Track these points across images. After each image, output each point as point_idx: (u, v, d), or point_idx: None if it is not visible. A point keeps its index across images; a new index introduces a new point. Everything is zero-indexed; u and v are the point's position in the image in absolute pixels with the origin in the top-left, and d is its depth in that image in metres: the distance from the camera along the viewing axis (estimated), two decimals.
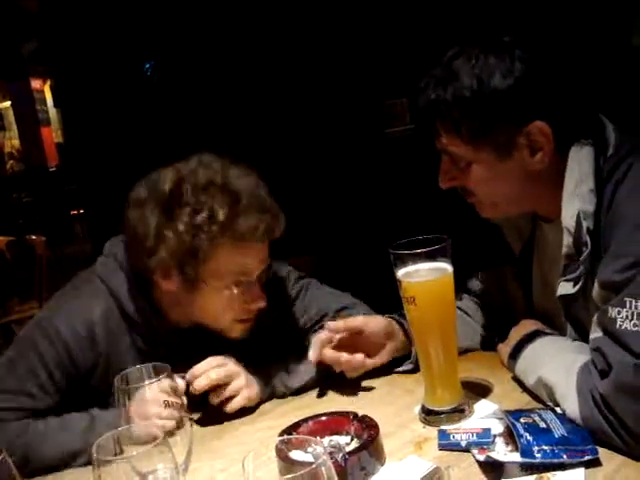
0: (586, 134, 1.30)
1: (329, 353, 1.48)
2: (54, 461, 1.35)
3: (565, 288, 1.32)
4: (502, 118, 1.27)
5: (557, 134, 1.28)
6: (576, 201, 1.27)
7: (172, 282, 1.45)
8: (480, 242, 1.58)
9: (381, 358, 1.54)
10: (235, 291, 1.44)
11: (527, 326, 1.43)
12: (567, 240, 1.29)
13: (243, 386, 1.47)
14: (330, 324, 1.50)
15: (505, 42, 1.30)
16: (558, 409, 1.23)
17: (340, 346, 1.50)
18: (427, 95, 1.32)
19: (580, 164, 1.28)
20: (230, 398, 1.46)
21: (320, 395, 1.53)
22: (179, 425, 1.05)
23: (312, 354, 1.47)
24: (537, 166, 1.31)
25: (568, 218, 1.28)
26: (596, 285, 1.22)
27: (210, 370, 1.43)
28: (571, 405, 1.19)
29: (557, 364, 1.27)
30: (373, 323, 1.53)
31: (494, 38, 1.32)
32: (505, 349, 1.45)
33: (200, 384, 1.42)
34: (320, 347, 1.47)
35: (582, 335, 1.34)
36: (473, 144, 1.30)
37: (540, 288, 1.53)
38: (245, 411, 1.49)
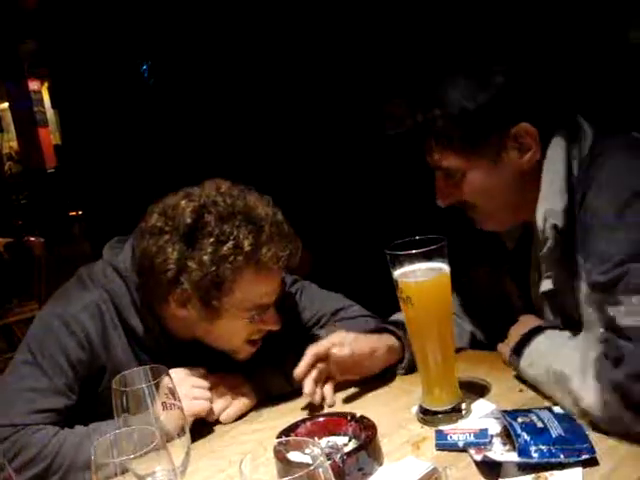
0: (563, 136, 1.37)
1: (308, 387, 1.46)
2: (85, 467, 1.30)
3: (545, 285, 1.39)
4: (489, 126, 1.35)
5: (541, 133, 1.36)
6: (545, 201, 1.35)
7: (189, 311, 1.43)
8: (475, 238, 1.59)
9: (372, 372, 1.54)
10: (255, 317, 1.45)
11: (529, 322, 1.44)
12: (540, 240, 1.36)
13: (233, 397, 1.49)
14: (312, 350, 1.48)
15: (482, 61, 1.40)
16: (556, 408, 1.23)
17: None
18: (417, 116, 1.40)
19: (553, 165, 1.35)
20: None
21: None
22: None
23: (299, 371, 1.46)
24: (528, 166, 1.37)
25: (540, 220, 1.35)
26: (585, 288, 1.27)
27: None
28: (590, 395, 1.17)
29: (570, 355, 1.26)
30: (358, 348, 1.50)
31: (471, 58, 1.42)
32: (507, 346, 1.45)
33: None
34: (308, 363, 1.46)
35: (573, 326, 1.36)
36: (466, 154, 1.36)
37: (535, 284, 1.53)
38: (243, 413, 1.50)
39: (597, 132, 1.39)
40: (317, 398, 1.46)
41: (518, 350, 1.39)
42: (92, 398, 1.44)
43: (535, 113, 1.36)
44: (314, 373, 1.46)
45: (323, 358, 1.48)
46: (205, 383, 1.46)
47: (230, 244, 1.37)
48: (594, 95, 2.50)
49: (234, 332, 1.47)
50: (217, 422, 1.47)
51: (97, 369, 1.46)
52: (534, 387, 1.37)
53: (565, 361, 1.26)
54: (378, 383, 1.54)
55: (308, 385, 1.45)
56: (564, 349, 1.30)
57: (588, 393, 1.18)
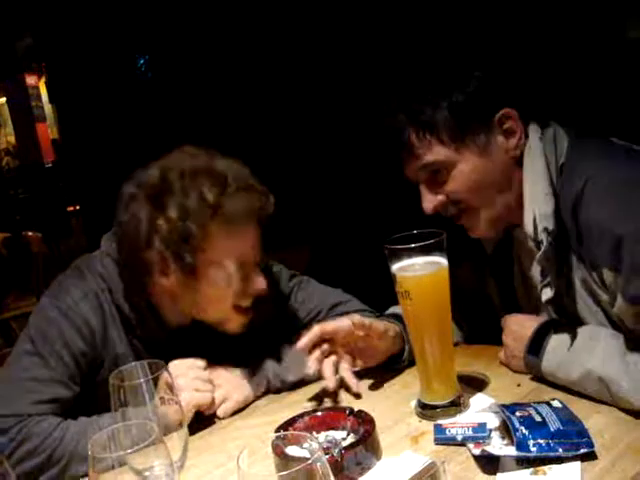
0: (538, 133, 1.38)
1: (314, 363, 1.46)
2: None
3: (546, 294, 1.37)
4: (473, 116, 1.35)
5: (522, 118, 1.38)
6: (533, 205, 1.33)
7: (171, 277, 1.43)
8: (458, 237, 1.60)
9: (376, 360, 1.54)
10: (234, 273, 1.43)
11: (522, 321, 1.42)
12: (530, 245, 1.36)
13: (231, 391, 1.49)
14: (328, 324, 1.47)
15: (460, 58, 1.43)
16: (554, 402, 1.23)
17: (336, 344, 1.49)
18: (400, 115, 1.38)
19: (532, 165, 1.35)
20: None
21: (315, 391, 1.52)
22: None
23: (302, 343, 1.44)
24: (514, 153, 1.37)
25: (529, 225, 1.34)
26: (623, 304, 1.25)
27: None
28: None
29: (606, 356, 1.25)
30: (374, 323, 1.50)
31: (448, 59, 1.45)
32: (513, 355, 1.41)
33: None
34: (311, 338, 1.45)
35: (575, 324, 1.36)
36: (455, 145, 1.36)
37: (520, 286, 1.54)
38: (241, 408, 1.50)
39: (572, 136, 1.39)
40: (332, 384, 1.45)
41: (535, 350, 1.35)
42: (91, 388, 1.45)
43: (516, 99, 1.38)
44: (317, 352, 1.45)
45: (328, 338, 1.47)
46: (206, 374, 1.46)
47: (194, 198, 1.38)
48: (577, 94, 2.50)
49: (218, 297, 1.45)
50: (215, 416, 1.47)
51: (97, 359, 1.46)
52: (532, 381, 1.37)
53: (605, 363, 1.24)
54: (376, 377, 1.54)
55: (313, 368, 1.45)
56: (597, 349, 1.27)
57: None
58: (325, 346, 1.47)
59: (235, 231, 1.42)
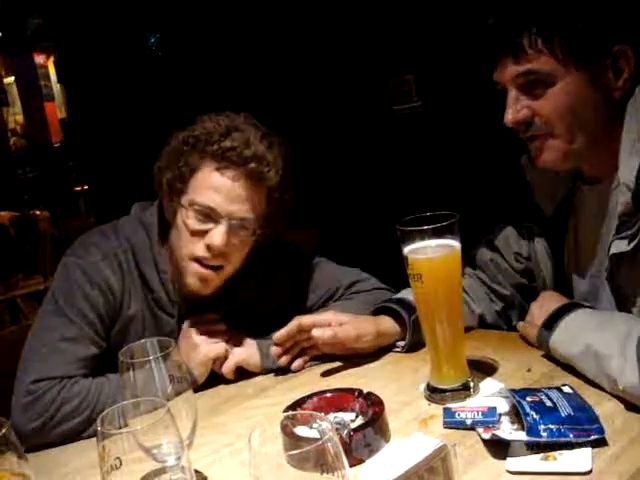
0: None
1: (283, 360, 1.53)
2: None
3: (618, 246, 1.31)
4: (595, 34, 1.28)
5: (637, 65, 1.31)
6: (636, 157, 1.27)
7: (173, 205, 1.49)
8: (505, 205, 1.58)
9: (357, 352, 1.54)
10: (196, 213, 1.43)
11: (553, 298, 1.41)
12: (625, 197, 1.29)
13: (239, 351, 1.53)
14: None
15: None
16: (565, 387, 1.22)
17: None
18: (517, 9, 1.32)
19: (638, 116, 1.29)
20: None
21: (325, 372, 1.52)
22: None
23: (278, 334, 1.51)
24: (618, 95, 1.32)
25: (627, 173, 1.28)
26: None
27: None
28: (630, 376, 1.15)
29: (609, 334, 1.23)
30: (343, 332, 1.50)
31: None
32: (529, 324, 1.42)
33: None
34: (288, 331, 1.50)
35: (621, 299, 1.34)
36: (565, 61, 1.29)
37: (573, 255, 1.51)
38: (249, 386, 1.51)
39: None
40: (284, 361, 1.53)
41: (549, 325, 1.34)
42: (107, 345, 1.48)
43: (636, 39, 1.30)
44: (290, 346, 1.52)
45: (307, 330, 1.49)
46: (221, 327, 1.53)
47: (203, 128, 1.46)
48: None
49: (182, 234, 1.46)
50: (223, 395, 1.48)
51: (115, 317, 1.49)
52: (543, 367, 1.36)
53: (604, 339, 1.22)
54: (385, 360, 1.54)
55: (284, 359, 1.53)
56: (604, 327, 1.25)
57: (627, 374, 1.15)
58: (301, 337, 1.51)
59: (221, 172, 1.43)
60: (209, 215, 1.43)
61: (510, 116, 1.35)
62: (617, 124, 1.33)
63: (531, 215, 1.56)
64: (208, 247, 1.44)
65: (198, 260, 1.46)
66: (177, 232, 1.47)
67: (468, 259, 1.66)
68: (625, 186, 1.29)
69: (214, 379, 1.53)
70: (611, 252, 1.32)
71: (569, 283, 1.51)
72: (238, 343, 1.54)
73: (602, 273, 1.39)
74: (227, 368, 1.52)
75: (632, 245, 1.28)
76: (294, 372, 1.54)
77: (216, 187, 1.43)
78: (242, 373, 1.55)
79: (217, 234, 1.43)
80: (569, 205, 1.49)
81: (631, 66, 1.31)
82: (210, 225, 1.44)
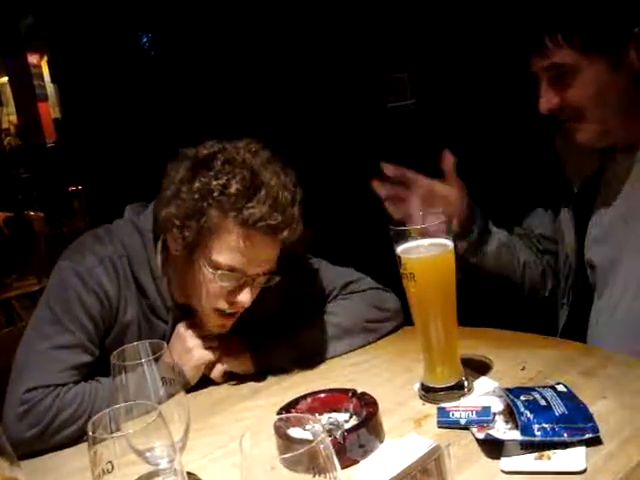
0: None
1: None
2: None
3: None
4: (614, 22, 1.33)
5: None
6: None
7: (176, 244, 1.43)
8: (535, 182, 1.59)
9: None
10: (222, 275, 1.40)
11: None
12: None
13: (230, 356, 1.52)
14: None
15: None
16: (559, 386, 1.21)
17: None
18: (536, 9, 1.37)
19: None
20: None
21: (318, 372, 1.52)
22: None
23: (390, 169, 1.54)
24: None
25: None
26: None
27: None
28: None
29: None
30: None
31: None
32: None
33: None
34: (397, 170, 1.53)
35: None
36: (587, 52, 1.34)
37: (598, 229, 1.53)
38: (243, 387, 1.50)
39: None
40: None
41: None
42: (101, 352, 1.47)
43: None
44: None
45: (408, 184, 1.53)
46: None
47: (221, 182, 1.37)
48: None
49: (203, 288, 1.43)
50: (216, 397, 1.47)
51: (110, 324, 1.47)
52: (537, 365, 1.36)
53: None
54: (379, 360, 1.53)
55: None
56: None
57: None
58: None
59: (244, 235, 1.38)
60: (232, 272, 1.41)
61: (543, 105, 1.43)
62: None
63: (561, 191, 1.59)
64: (232, 303, 1.44)
65: (220, 311, 1.46)
66: (192, 279, 1.44)
67: None
68: None
69: (207, 380, 1.52)
70: None
71: (588, 258, 1.52)
72: (231, 348, 1.53)
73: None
74: (217, 372, 1.51)
75: None
76: (286, 372, 1.53)
77: (243, 252, 1.39)
78: (234, 375, 1.54)
79: (244, 295, 1.43)
80: (598, 181, 1.51)
81: None
82: (234, 283, 1.42)
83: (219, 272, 1.40)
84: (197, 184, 1.38)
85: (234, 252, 1.39)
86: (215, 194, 1.36)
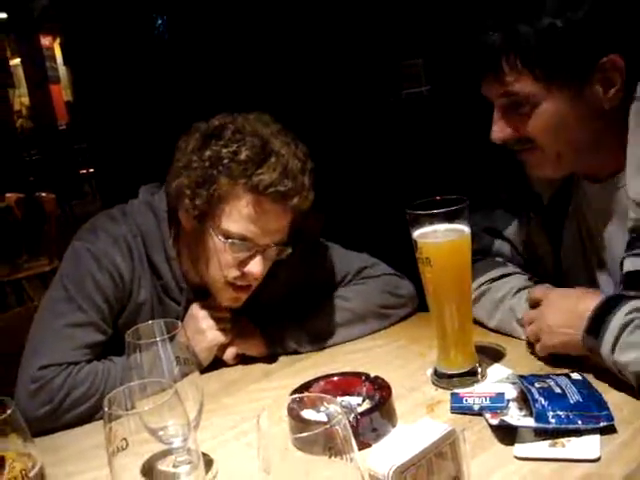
0: None
1: None
2: None
3: (633, 264, 1.25)
4: (578, 52, 1.22)
5: (628, 70, 1.23)
6: None
7: (188, 216, 1.43)
8: (502, 190, 1.54)
9: None
10: (233, 245, 1.40)
11: (588, 296, 1.26)
12: (635, 213, 1.25)
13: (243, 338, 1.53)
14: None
15: None
16: (574, 374, 1.21)
17: None
18: (494, 33, 1.25)
19: None
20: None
21: (331, 355, 1.52)
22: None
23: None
24: (608, 105, 1.26)
25: (636, 191, 1.24)
26: None
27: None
28: None
29: None
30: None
31: None
32: (566, 331, 1.26)
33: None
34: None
35: None
36: (546, 82, 1.24)
37: (573, 245, 1.48)
38: (256, 369, 1.51)
39: None
40: None
41: (595, 329, 1.20)
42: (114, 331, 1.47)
43: (627, 45, 1.23)
44: None
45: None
46: (227, 314, 1.51)
47: (231, 149, 1.37)
48: None
49: (215, 258, 1.43)
50: (229, 378, 1.48)
51: (124, 303, 1.48)
52: (550, 353, 1.35)
53: None
54: (393, 345, 1.53)
55: None
56: None
57: None
58: None
59: (254, 203, 1.38)
60: (243, 241, 1.40)
61: (494, 134, 1.33)
62: (615, 128, 1.28)
63: (529, 203, 1.51)
64: (244, 273, 1.43)
65: (231, 283, 1.45)
66: (204, 251, 1.44)
67: None
68: (635, 203, 1.25)
69: (219, 362, 1.52)
70: (625, 270, 1.27)
71: (569, 274, 1.46)
72: (243, 330, 1.54)
73: (612, 278, 1.35)
74: (229, 354, 1.52)
75: None
76: (299, 356, 1.53)
77: (253, 220, 1.38)
78: (246, 357, 1.55)
79: (255, 265, 1.42)
80: (568, 194, 1.46)
81: (622, 75, 1.23)
82: (245, 252, 1.42)
83: (230, 241, 1.39)
84: (207, 152, 1.39)
85: (244, 220, 1.39)
86: (225, 161, 1.37)
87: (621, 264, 1.28)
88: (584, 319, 1.22)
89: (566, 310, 1.28)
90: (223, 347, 1.51)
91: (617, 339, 1.16)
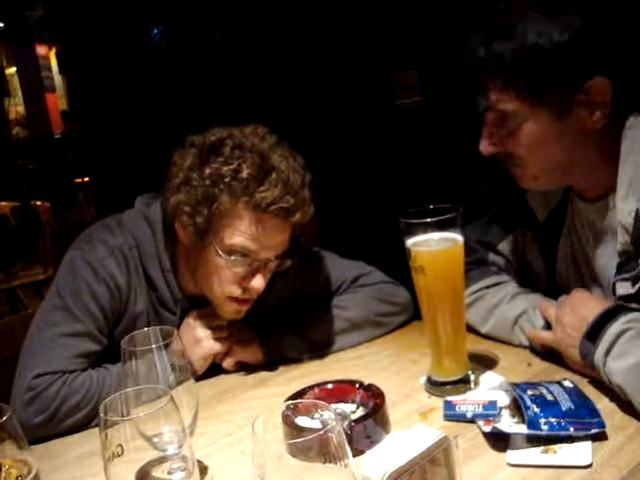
0: None
1: None
2: None
3: (624, 288, 1.26)
4: (562, 73, 1.21)
5: (616, 93, 1.23)
6: (633, 199, 1.23)
7: (186, 231, 1.43)
8: (499, 206, 1.54)
9: None
10: (234, 261, 1.40)
11: (596, 303, 1.27)
12: (624, 237, 1.26)
13: (241, 346, 1.53)
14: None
15: None
16: (566, 382, 1.22)
17: None
18: (479, 50, 1.25)
19: (638, 151, 1.24)
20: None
21: (325, 363, 1.53)
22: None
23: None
24: (595, 126, 1.25)
25: (625, 214, 1.24)
26: None
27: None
28: None
29: None
30: None
31: None
32: (570, 332, 1.27)
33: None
34: None
35: None
36: (530, 101, 1.24)
37: (566, 262, 1.49)
38: (250, 377, 1.51)
39: None
40: None
41: (593, 335, 1.21)
42: (109, 341, 1.47)
43: (614, 66, 1.22)
44: None
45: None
46: (223, 323, 1.51)
47: (232, 167, 1.37)
48: None
49: (215, 274, 1.43)
50: (224, 385, 1.48)
51: (120, 314, 1.48)
52: (543, 361, 1.36)
53: None
54: (386, 353, 1.54)
55: None
56: None
57: None
58: None
59: (256, 219, 1.38)
60: (244, 257, 1.41)
61: (482, 148, 1.34)
62: (605, 149, 1.29)
63: (525, 219, 1.52)
64: (245, 289, 1.44)
65: (233, 297, 1.46)
66: (203, 266, 1.45)
67: None
68: (624, 228, 1.25)
69: (214, 369, 1.53)
70: (617, 295, 1.28)
71: (563, 292, 1.43)
72: (240, 338, 1.54)
73: (607, 297, 1.33)
74: (228, 363, 1.53)
75: (637, 287, 1.24)
76: (294, 363, 1.54)
77: (255, 236, 1.39)
78: (243, 364, 1.55)
79: (257, 281, 1.43)
80: (563, 212, 1.47)
81: (608, 98, 1.23)
82: (246, 267, 1.42)
83: (232, 258, 1.40)
84: (207, 170, 1.38)
85: (246, 236, 1.39)
86: (227, 179, 1.37)
87: (613, 288, 1.30)
88: (588, 324, 1.23)
89: (577, 313, 1.29)
90: (221, 356, 1.52)
91: (612, 345, 1.17)
